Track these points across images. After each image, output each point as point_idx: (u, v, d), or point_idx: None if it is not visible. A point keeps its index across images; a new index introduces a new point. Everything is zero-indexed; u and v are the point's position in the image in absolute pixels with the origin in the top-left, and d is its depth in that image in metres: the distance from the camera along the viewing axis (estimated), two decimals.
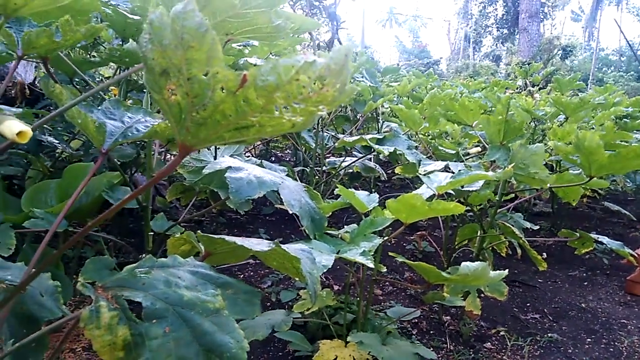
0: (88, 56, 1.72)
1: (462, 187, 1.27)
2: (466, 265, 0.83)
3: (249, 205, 1.53)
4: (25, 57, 0.68)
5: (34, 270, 0.60)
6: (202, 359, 0.49)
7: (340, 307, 1.48)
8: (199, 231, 0.69)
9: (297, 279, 1.70)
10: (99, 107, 0.79)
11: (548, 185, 1.37)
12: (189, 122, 0.38)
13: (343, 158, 1.92)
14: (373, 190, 2.66)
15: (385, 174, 1.91)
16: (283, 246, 0.64)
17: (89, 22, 0.81)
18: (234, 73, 0.33)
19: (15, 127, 0.43)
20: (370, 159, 2.01)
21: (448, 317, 1.79)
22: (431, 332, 1.68)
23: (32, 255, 1.36)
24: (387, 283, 2.04)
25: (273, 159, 4.14)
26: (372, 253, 0.90)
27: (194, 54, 0.33)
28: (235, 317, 0.56)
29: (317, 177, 1.89)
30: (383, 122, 2.32)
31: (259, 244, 0.64)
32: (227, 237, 0.66)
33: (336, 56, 0.31)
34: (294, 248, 0.69)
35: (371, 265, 0.85)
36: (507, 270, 0.92)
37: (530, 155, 1.35)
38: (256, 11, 0.59)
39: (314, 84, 0.32)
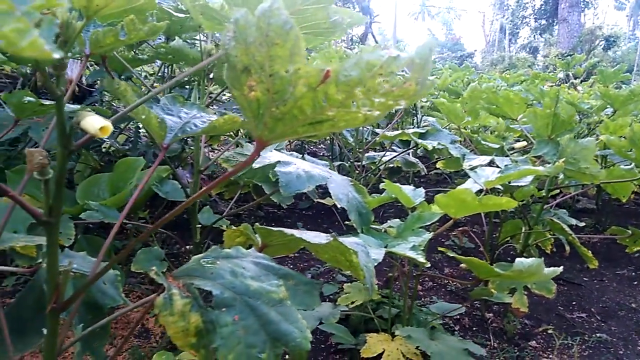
0: (133, 54, 1.77)
1: (509, 182, 1.25)
2: (520, 261, 0.82)
3: (291, 199, 1.55)
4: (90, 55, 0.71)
5: (104, 262, 0.63)
6: (269, 347, 0.51)
7: (383, 302, 1.48)
8: (256, 224, 0.70)
9: (347, 271, 1.71)
10: (158, 104, 0.82)
11: (599, 180, 1.32)
12: (267, 117, 0.39)
13: (383, 153, 1.91)
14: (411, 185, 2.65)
15: (425, 169, 1.89)
16: (340, 239, 0.65)
17: (145, 20, 0.83)
18: (316, 69, 0.34)
19: (97, 122, 0.45)
20: (409, 154, 2.00)
21: (491, 315, 1.76)
22: (474, 328, 1.66)
23: (85, 245, 1.42)
24: (426, 278, 2.03)
25: (307, 153, 4.17)
26: (422, 248, 0.89)
27: (277, 51, 0.34)
28: (296, 308, 0.58)
29: (357, 171, 1.89)
30: (422, 116, 2.30)
31: (316, 237, 0.65)
32: (285, 230, 0.68)
33: (421, 51, 0.32)
34: (349, 241, 0.70)
35: (422, 260, 0.85)
36: (561, 267, 0.90)
37: (580, 150, 1.31)
38: (315, 7, 0.60)
39: (397, 78, 0.33)
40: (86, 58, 0.68)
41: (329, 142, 3.91)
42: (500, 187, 1.30)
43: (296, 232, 0.66)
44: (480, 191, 1.16)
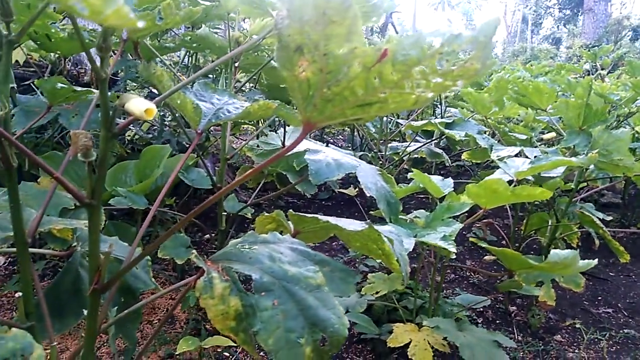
0: (157, 42, 1.78)
1: (540, 174, 1.22)
2: (556, 252, 0.81)
3: (315, 189, 1.55)
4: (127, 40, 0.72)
5: (139, 249, 0.63)
6: (307, 332, 0.51)
7: (406, 292, 1.47)
8: (290, 210, 0.70)
9: (370, 262, 1.70)
10: (191, 90, 0.82)
11: (633, 173, 1.29)
12: (317, 98, 0.38)
13: (408, 143, 1.90)
14: None
15: (449, 160, 1.86)
16: (376, 227, 0.64)
17: (179, 6, 0.83)
18: (373, 48, 0.33)
19: (142, 104, 0.45)
20: (432, 144, 1.98)
21: (514, 308, 1.74)
22: (497, 321, 1.65)
23: (113, 231, 1.44)
24: (448, 271, 2.01)
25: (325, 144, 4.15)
26: (453, 238, 0.88)
27: (334, 29, 0.33)
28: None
29: (380, 162, 1.88)
30: (446, 106, 2.27)
31: (351, 224, 0.65)
32: (319, 216, 0.68)
33: (484, 28, 0.31)
34: (384, 230, 0.70)
35: (454, 249, 0.84)
36: (595, 260, 0.88)
37: (614, 141, 1.27)
38: None
39: (457, 57, 0.32)
40: (123, 43, 0.68)
41: (348, 132, 3.89)
42: (531, 178, 1.27)
43: (332, 219, 0.65)
44: (510, 182, 1.14)
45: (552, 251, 0.81)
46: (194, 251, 0.53)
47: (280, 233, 0.85)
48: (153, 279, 0.85)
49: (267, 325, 0.49)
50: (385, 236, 0.65)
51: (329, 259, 0.62)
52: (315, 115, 0.40)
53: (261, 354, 1.39)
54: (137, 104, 0.46)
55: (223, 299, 0.50)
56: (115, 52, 0.83)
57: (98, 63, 0.48)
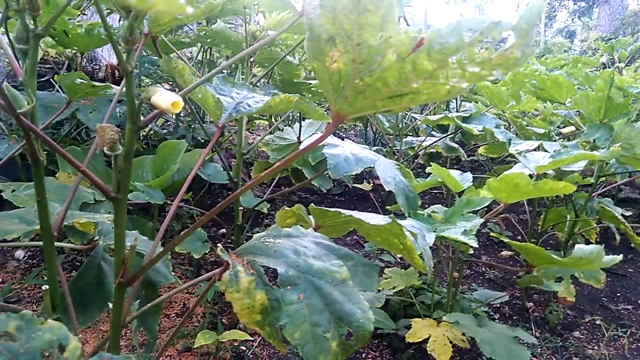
0: (172, 37, 1.78)
1: (559, 168, 1.20)
2: (580, 247, 0.79)
3: (330, 184, 1.54)
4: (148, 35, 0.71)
5: (160, 246, 0.63)
6: (333, 326, 0.51)
7: (423, 288, 1.46)
8: (311, 204, 0.70)
9: (387, 257, 1.68)
10: (211, 84, 0.82)
11: None
12: (348, 90, 0.37)
13: (423, 138, 1.88)
14: None
15: (465, 155, 1.84)
16: (401, 222, 0.63)
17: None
18: (408, 37, 0.33)
19: (168, 97, 0.45)
20: (447, 139, 1.96)
21: (531, 304, 1.72)
22: (514, 317, 1.63)
23: (130, 226, 1.46)
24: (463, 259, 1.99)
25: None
26: (474, 233, 0.87)
27: (368, 18, 0.32)
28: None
29: (395, 157, 1.87)
30: (461, 101, 2.24)
31: (373, 218, 0.64)
32: (341, 210, 0.67)
33: (527, 14, 0.30)
34: (407, 224, 0.69)
35: (475, 244, 0.83)
36: (621, 255, 0.87)
37: (636, 135, 1.25)
38: None
39: (497, 45, 0.31)
40: (145, 37, 0.68)
41: (360, 127, 3.87)
42: (550, 172, 1.25)
43: (354, 213, 0.65)
44: (530, 176, 1.12)
45: (577, 246, 0.79)
46: (219, 245, 0.52)
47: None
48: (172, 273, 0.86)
49: (294, 319, 0.49)
50: (408, 230, 0.64)
51: (352, 253, 0.62)
52: (346, 107, 0.39)
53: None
54: (164, 97, 0.46)
55: (249, 293, 0.49)
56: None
57: (108, 58, 0.47)
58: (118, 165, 0.50)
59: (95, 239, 0.82)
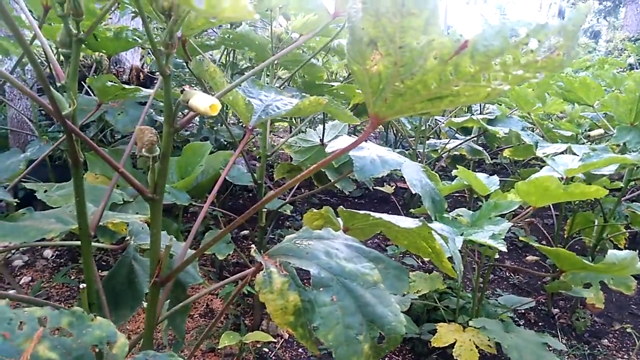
0: (196, 39, 1.80)
1: (589, 171, 1.18)
2: (613, 253, 0.77)
3: (353, 186, 1.54)
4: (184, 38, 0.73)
5: (191, 250, 0.64)
6: (365, 328, 0.51)
7: (446, 292, 1.45)
8: (340, 207, 0.70)
9: (412, 260, 1.67)
10: (240, 86, 0.82)
11: None
12: (388, 92, 0.37)
13: (447, 140, 1.86)
14: None
15: (489, 157, 1.82)
16: (430, 225, 0.63)
17: None
18: (451, 40, 0.33)
19: (207, 100, 0.46)
20: (470, 141, 1.94)
21: (557, 310, 1.69)
22: (540, 324, 1.60)
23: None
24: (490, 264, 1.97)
25: None
26: (503, 237, 0.86)
27: (412, 21, 0.33)
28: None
29: (418, 159, 1.86)
30: (485, 103, 2.21)
31: (404, 221, 0.64)
32: (371, 213, 0.67)
33: (575, 16, 0.29)
34: (435, 227, 0.68)
35: (504, 248, 0.82)
36: None
37: None
38: None
39: (543, 48, 0.31)
40: (178, 41, 0.69)
41: (380, 129, 3.85)
42: (580, 175, 1.23)
43: (384, 216, 0.64)
44: (559, 180, 1.10)
45: (609, 251, 0.78)
46: (253, 246, 0.53)
47: None
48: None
49: (327, 321, 0.49)
50: (438, 234, 0.64)
51: (383, 256, 0.61)
52: (385, 109, 0.39)
53: (299, 350, 1.40)
54: (202, 100, 0.47)
55: (282, 294, 0.50)
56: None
57: (131, 61, 0.48)
58: (155, 167, 0.51)
59: (127, 238, 0.83)
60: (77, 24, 0.49)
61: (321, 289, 0.51)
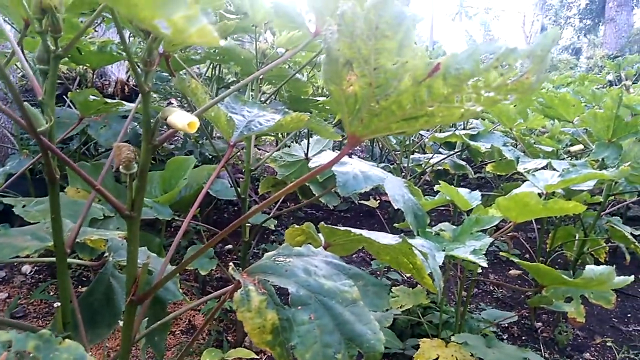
0: (183, 54, 1.80)
1: (569, 187, 1.20)
2: (591, 268, 0.78)
3: (338, 201, 1.54)
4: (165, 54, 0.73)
5: (172, 266, 0.63)
6: (344, 347, 0.50)
7: (430, 307, 1.45)
8: (322, 223, 0.70)
9: (394, 275, 1.67)
10: (222, 102, 0.83)
11: None
12: (364, 112, 0.38)
13: (430, 155, 1.88)
14: None
15: (472, 172, 1.84)
16: (410, 241, 0.63)
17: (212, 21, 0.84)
18: (424, 62, 0.33)
19: (185, 118, 0.46)
20: (454, 156, 1.96)
21: (540, 324, 1.70)
22: (523, 337, 1.61)
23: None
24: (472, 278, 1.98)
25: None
26: (484, 252, 0.87)
27: (386, 43, 0.33)
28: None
29: (402, 174, 1.87)
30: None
31: (384, 237, 0.64)
32: (351, 229, 0.67)
33: (543, 41, 0.30)
34: (416, 243, 0.69)
35: (485, 264, 0.82)
36: (632, 277, 0.86)
37: None
38: None
39: (514, 71, 0.31)
40: (159, 57, 0.69)
41: (366, 143, 3.88)
42: (559, 191, 1.25)
43: (364, 232, 0.65)
44: (539, 195, 1.12)
45: (587, 267, 0.79)
46: (231, 264, 0.52)
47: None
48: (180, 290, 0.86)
49: (305, 340, 0.49)
50: (419, 250, 0.64)
51: (363, 272, 0.61)
52: (361, 129, 0.39)
53: None
54: (180, 118, 0.47)
55: (260, 313, 0.49)
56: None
57: (117, 74, 0.48)
58: (133, 184, 0.51)
59: (105, 255, 0.82)
60: (56, 41, 0.49)
61: (299, 307, 0.50)
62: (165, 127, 0.52)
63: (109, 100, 1.05)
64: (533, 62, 0.31)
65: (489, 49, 0.31)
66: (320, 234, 0.74)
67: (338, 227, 0.67)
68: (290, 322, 0.50)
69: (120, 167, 0.49)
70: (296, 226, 0.77)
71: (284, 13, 0.73)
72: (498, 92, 0.33)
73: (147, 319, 0.75)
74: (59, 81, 2.22)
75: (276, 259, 0.57)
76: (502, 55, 0.31)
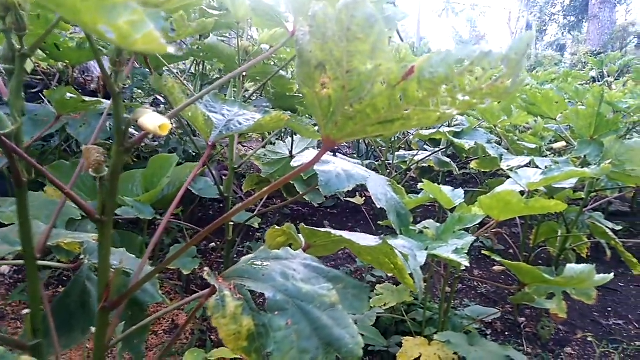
0: None
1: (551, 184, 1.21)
2: (572, 267, 0.79)
3: (322, 198, 1.53)
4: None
5: (151, 267, 0.62)
6: (321, 352, 0.49)
7: (414, 304, 1.45)
8: (302, 224, 0.69)
9: (379, 272, 1.67)
10: (201, 101, 0.81)
11: None
12: (338, 116, 0.37)
13: (416, 152, 1.88)
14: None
15: (457, 169, 1.85)
16: (390, 242, 0.63)
17: (190, 17, 0.82)
18: (398, 65, 0.32)
19: (156, 120, 0.44)
20: (439, 153, 1.96)
21: (523, 319, 1.72)
22: (506, 333, 1.62)
23: (119, 241, 1.43)
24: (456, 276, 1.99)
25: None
26: (466, 251, 0.87)
27: (358, 46, 0.32)
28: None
29: (388, 171, 1.87)
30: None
31: (364, 239, 0.63)
32: (331, 231, 0.66)
33: (517, 45, 0.29)
34: (398, 244, 0.68)
35: (467, 263, 0.82)
36: (612, 274, 0.87)
37: (626, 151, 1.26)
38: (370, 2, 0.58)
39: (488, 75, 0.31)
40: (135, 55, 0.67)
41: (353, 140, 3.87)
42: (542, 188, 1.26)
43: (344, 234, 0.64)
44: (522, 193, 1.13)
45: (568, 266, 0.79)
46: (206, 268, 0.51)
47: (290, 246, 0.84)
48: (160, 291, 0.84)
49: (281, 346, 0.48)
50: (400, 252, 0.64)
51: (342, 275, 0.61)
52: (336, 132, 0.38)
53: None
54: (151, 119, 0.45)
55: (235, 319, 0.48)
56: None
57: (100, 70, 0.47)
58: (103, 187, 0.49)
59: (81, 257, 0.80)
60: (21, 39, 0.47)
61: (276, 313, 0.50)
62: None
63: (86, 99, 1.02)
64: (508, 67, 0.30)
65: (464, 53, 0.30)
66: (300, 235, 0.73)
67: (318, 229, 0.67)
68: (266, 328, 0.49)
69: (90, 170, 0.48)
70: (277, 227, 0.76)
71: (263, 11, 0.71)
72: (473, 96, 0.32)
73: (124, 322, 0.74)
74: (39, 77, 2.17)
75: (253, 263, 0.56)
76: (477, 59, 0.30)
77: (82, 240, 0.73)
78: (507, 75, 0.30)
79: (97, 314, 0.54)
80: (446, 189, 1.09)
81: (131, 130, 0.50)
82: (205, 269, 0.51)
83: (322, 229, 0.66)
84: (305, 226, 0.68)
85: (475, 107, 0.36)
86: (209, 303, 0.49)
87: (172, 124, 2.10)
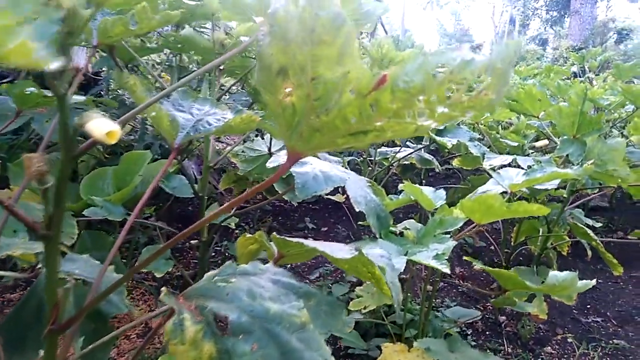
0: (141, 42, 1.70)
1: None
2: (554, 274, 0.77)
3: (302, 197, 1.49)
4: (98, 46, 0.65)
5: (116, 275, 0.57)
6: None
7: (394, 306, 1.43)
8: (273, 233, 0.65)
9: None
10: (168, 99, 0.76)
11: (628, 183, 1.26)
12: (304, 127, 0.33)
13: (398, 149, 1.85)
14: (424, 182, 2.58)
15: (440, 166, 1.83)
16: (364, 251, 0.59)
17: (157, 8, 0.77)
18: (370, 73, 0.28)
19: (104, 126, 0.39)
20: (421, 150, 1.94)
21: (504, 318, 1.71)
22: (487, 332, 1.61)
23: (89, 242, 1.37)
24: (437, 278, 1.97)
25: None
26: (446, 257, 0.84)
27: (324, 50, 0.28)
28: (318, 331, 0.52)
29: (370, 167, 1.83)
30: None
31: (340, 250, 0.60)
32: (304, 241, 0.62)
33: (502, 52, 0.26)
34: (374, 254, 0.65)
35: (447, 270, 0.79)
36: (594, 281, 0.85)
37: (608, 151, 1.24)
38: None
39: (469, 86, 0.27)
40: (93, 49, 0.62)
41: None
42: (525, 189, 1.24)
43: (318, 245, 0.60)
44: (504, 193, 1.10)
45: (551, 273, 0.77)
46: (163, 288, 0.47)
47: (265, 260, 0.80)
48: (126, 300, 0.79)
49: None
50: (377, 263, 0.60)
51: (315, 290, 0.57)
52: (301, 144, 0.34)
53: None
54: (99, 125, 0.40)
55: (195, 344, 0.44)
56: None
57: (76, 61, 0.42)
58: (48, 199, 0.45)
59: (38, 266, 0.75)
60: None
61: (241, 337, 0.45)
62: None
63: (48, 94, 0.96)
64: (493, 77, 0.26)
65: (442, 60, 0.26)
66: (272, 244, 0.69)
67: (290, 239, 0.63)
68: (229, 354, 0.44)
69: (33, 181, 0.43)
70: (248, 235, 0.72)
71: (231, 4, 0.66)
72: (453, 109, 0.29)
73: (83, 338, 0.69)
74: (4, 72, 2.07)
75: (218, 280, 0.51)
76: (457, 68, 0.26)
77: (38, 251, 0.67)
78: (492, 86, 0.26)
79: (45, 336, 0.49)
80: (427, 190, 1.06)
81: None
82: (163, 288, 0.47)
83: (294, 239, 0.62)
84: (277, 235, 0.64)
85: (456, 120, 0.33)
86: (167, 327, 0.45)
87: (147, 119, 2.02)
